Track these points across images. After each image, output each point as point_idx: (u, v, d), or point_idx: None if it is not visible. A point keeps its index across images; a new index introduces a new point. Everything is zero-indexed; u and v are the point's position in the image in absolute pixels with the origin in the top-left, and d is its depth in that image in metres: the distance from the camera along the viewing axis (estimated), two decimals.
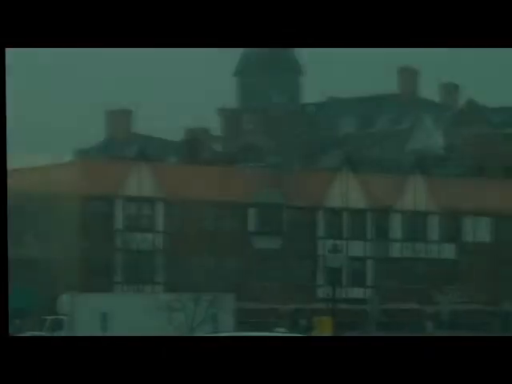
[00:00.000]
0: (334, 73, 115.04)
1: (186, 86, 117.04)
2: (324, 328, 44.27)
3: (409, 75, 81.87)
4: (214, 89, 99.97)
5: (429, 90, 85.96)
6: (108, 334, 38.52)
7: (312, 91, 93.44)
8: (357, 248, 55.68)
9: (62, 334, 41.02)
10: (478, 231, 58.76)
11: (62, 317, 43.20)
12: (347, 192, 56.42)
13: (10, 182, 8.94)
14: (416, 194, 57.87)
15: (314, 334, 41.75)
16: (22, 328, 41.61)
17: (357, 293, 54.89)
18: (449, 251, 57.94)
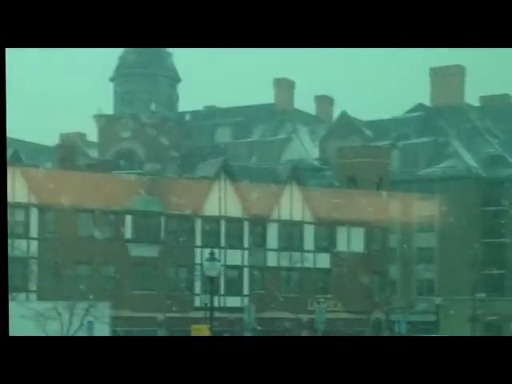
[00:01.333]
0: (212, 82, 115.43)
1: (62, 90, 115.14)
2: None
3: (284, 87, 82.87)
4: (91, 94, 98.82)
5: (304, 102, 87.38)
6: None
7: (189, 100, 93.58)
8: (234, 257, 55.96)
9: None
10: (352, 241, 59.96)
11: None
12: (224, 201, 56.64)
13: None
14: (292, 204, 58.61)
15: None
16: None
17: (233, 301, 55.12)
18: (323, 261, 58.88)
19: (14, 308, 44.15)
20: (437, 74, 75.12)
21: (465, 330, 51.03)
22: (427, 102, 76.65)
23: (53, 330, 39.63)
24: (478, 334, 53.45)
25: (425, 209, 67.02)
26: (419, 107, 76.60)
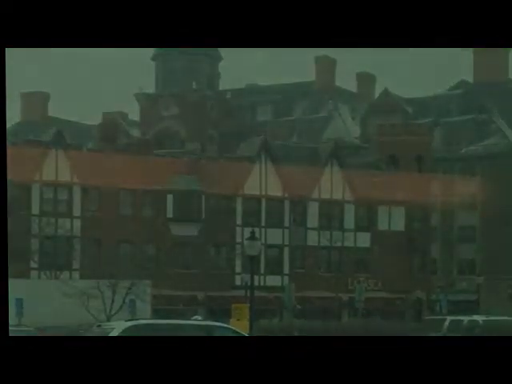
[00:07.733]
0: (252, 60, 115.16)
1: (104, 70, 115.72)
2: (241, 315, 44.53)
3: (326, 64, 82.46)
4: (133, 73, 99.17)
5: (345, 80, 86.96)
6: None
7: (230, 78, 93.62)
8: (274, 236, 56.12)
9: None
10: (393, 220, 59.77)
11: None
12: (265, 180, 56.77)
13: None
14: (332, 183, 58.56)
15: (231, 321, 41.98)
16: None
17: (274, 280, 55.35)
18: (364, 240, 58.80)
19: (57, 286, 44.36)
20: (480, 49, 74.18)
21: (506, 310, 50.74)
22: (470, 79, 75.88)
23: (95, 308, 40.12)
24: None
25: (467, 187, 66.56)
26: (461, 84, 75.86)
